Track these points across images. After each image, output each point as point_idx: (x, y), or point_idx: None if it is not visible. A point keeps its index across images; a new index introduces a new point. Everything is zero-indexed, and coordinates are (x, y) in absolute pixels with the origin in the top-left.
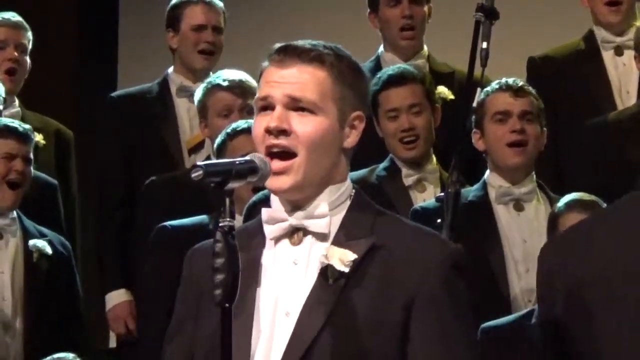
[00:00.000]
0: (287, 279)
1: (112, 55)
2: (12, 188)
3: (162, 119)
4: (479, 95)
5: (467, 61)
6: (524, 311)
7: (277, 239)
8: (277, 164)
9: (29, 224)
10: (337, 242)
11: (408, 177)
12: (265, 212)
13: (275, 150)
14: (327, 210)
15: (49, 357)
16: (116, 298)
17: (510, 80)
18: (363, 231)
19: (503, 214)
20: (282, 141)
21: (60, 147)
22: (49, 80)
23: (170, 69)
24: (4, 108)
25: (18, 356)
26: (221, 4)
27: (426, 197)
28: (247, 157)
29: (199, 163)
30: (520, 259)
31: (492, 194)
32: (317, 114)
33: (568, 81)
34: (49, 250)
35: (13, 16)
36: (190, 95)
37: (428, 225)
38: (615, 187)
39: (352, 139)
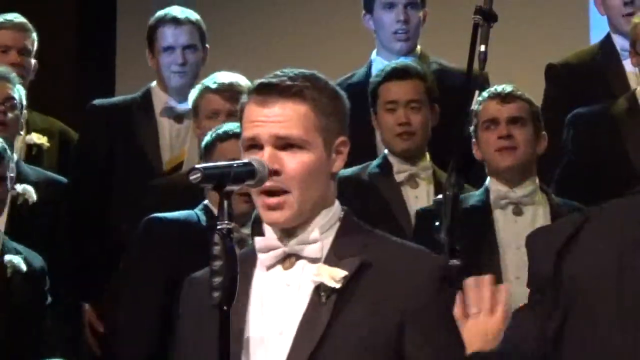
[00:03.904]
0: (280, 300)
1: (109, 61)
2: None
3: (145, 135)
4: (477, 97)
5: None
6: None
7: (270, 266)
8: (270, 200)
9: (6, 239)
10: (328, 263)
11: (400, 173)
12: (258, 241)
13: (268, 189)
14: (319, 235)
15: None
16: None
17: (500, 87)
18: (353, 250)
19: (501, 219)
20: (274, 183)
21: (64, 148)
22: (46, 85)
23: (154, 83)
24: None
25: None
26: (194, 17)
27: (418, 194)
28: (245, 160)
29: (197, 166)
30: (511, 266)
31: (492, 198)
32: (305, 148)
33: (590, 89)
34: (23, 267)
35: (16, 17)
36: (175, 116)
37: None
38: (604, 182)
39: (338, 163)
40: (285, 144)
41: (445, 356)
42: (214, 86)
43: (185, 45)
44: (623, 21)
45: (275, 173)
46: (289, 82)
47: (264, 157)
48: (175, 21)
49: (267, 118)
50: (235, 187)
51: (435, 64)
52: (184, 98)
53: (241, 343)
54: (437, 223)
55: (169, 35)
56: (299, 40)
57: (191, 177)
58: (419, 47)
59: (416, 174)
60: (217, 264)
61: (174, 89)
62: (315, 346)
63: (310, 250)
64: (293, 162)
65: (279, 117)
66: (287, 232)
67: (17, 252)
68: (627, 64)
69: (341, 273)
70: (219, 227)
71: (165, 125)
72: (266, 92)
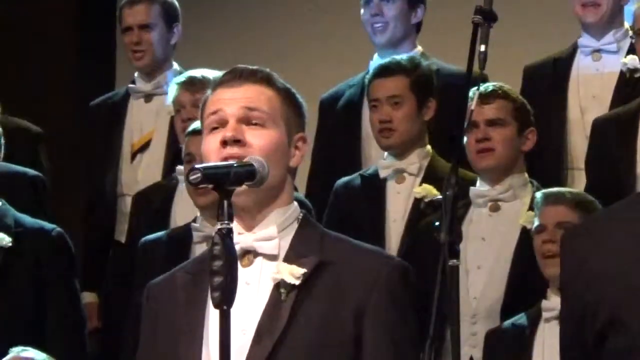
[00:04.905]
0: (240, 299)
1: (109, 59)
2: None
3: (117, 120)
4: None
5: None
6: (520, 315)
7: None
8: None
9: (11, 214)
10: (287, 261)
11: (385, 168)
12: None
13: (228, 157)
14: (276, 232)
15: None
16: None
17: (484, 87)
18: (311, 249)
19: (476, 213)
20: (238, 151)
21: (22, 143)
22: (45, 84)
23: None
24: None
25: None
26: None
27: (401, 190)
28: (246, 160)
29: (197, 166)
30: (470, 255)
31: (471, 196)
32: (268, 127)
33: (556, 87)
34: (7, 242)
35: None
36: (144, 96)
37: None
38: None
39: (296, 159)
40: (250, 120)
41: (402, 352)
42: (180, 81)
43: (141, 25)
44: (578, 8)
45: (238, 142)
46: (255, 69)
47: (228, 128)
48: (131, 2)
49: (233, 96)
50: (235, 188)
51: (435, 65)
52: (150, 77)
53: (203, 342)
54: (437, 223)
55: (125, 16)
56: (298, 39)
57: (191, 178)
58: (419, 47)
59: (403, 168)
60: (217, 264)
61: (139, 69)
62: (275, 343)
63: (267, 247)
64: (256, 136)
65: (247, 94)
66: (244, 228)
67: (18, 226)
68: (583, 66)
69: (300, 270)
70: (219, 226)
71: (135, 107)
72: (232, 77)
